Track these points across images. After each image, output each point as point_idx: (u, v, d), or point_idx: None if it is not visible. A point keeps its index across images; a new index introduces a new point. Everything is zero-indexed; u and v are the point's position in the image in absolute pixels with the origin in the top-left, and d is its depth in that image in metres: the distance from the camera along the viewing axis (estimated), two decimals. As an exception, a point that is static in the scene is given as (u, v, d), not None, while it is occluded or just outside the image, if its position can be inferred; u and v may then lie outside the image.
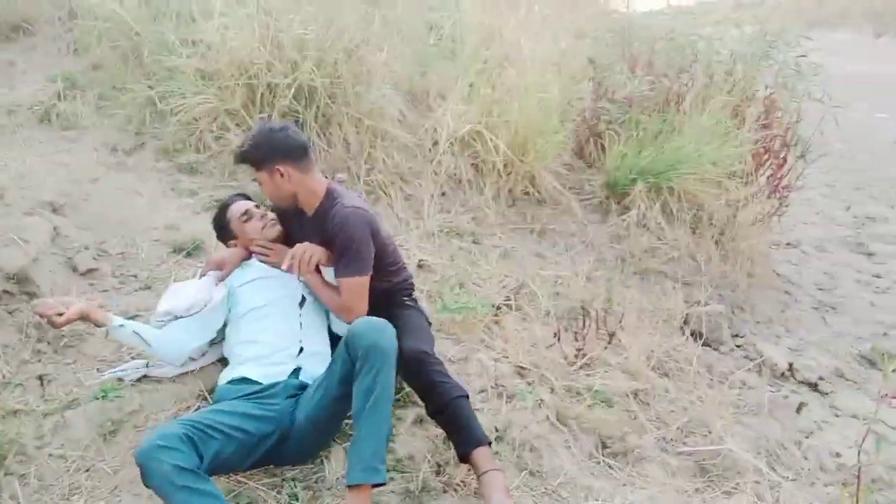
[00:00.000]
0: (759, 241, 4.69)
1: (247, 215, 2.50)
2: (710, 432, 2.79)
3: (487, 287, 3.42)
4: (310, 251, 2.31)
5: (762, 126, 4.54)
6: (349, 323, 2.23)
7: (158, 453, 1.72)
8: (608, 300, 3.42)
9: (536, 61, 4.20)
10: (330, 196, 2.38)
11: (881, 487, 2.73)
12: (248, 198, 2.63)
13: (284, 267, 2.29)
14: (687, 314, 3.71)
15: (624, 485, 2.44)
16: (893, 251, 6.63)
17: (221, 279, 2.48)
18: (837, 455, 2.94)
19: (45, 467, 2.11)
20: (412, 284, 2.68)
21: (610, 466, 2.53)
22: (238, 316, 2.38)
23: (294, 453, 2.14)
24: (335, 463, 2.21)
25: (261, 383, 2.19)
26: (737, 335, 3.94)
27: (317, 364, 2.29)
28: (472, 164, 4.05)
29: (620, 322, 3.09)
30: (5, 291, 2.61)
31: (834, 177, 8.08)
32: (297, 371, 2.26)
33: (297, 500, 2.07)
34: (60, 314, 2.09)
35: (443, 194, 4.01)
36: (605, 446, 2.62)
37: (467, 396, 2.25)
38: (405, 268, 2.66)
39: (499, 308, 3.22)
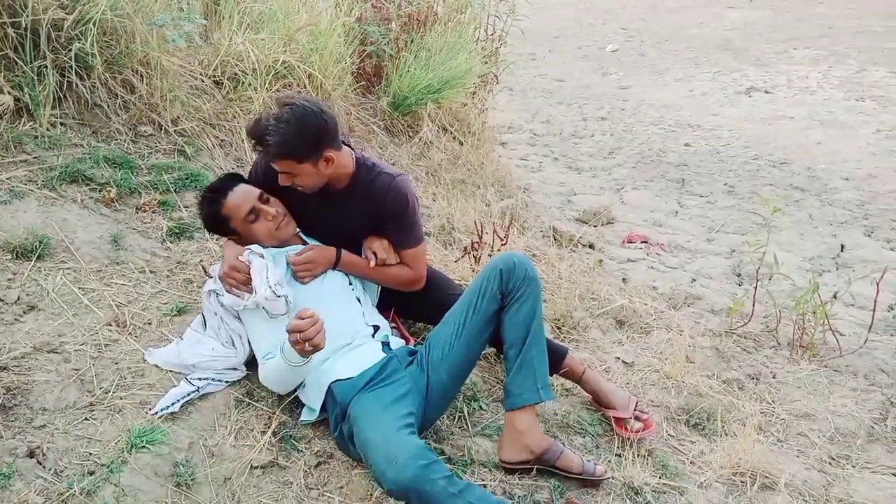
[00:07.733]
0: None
1: (254, 215, 2.07)
2: (597, 295, 3.45)
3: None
4: (381, 243, 2.22)
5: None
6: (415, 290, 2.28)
7: (429, 473, 1.61)
8: (463, 210, 3.75)
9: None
10: (363, 166, 2.20)
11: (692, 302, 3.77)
12: (242, 179, 2.18)
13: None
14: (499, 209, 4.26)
15: (594, 351, 2.94)
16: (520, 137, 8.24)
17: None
18: (654, 288, 3.92)
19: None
20: None
21: (575, 340, 2.99)
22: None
23: (439, 412, 2.07)
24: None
25: (366, 369, 1.98)
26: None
27: (388, 331, 2.21)
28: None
29: (510, 226, 3.47)
30: None
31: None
32: (385, 345, 2.12)
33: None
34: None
35: (253, 136, 3.65)
36: (559, 328, 3.05)
37: None
38: None
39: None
